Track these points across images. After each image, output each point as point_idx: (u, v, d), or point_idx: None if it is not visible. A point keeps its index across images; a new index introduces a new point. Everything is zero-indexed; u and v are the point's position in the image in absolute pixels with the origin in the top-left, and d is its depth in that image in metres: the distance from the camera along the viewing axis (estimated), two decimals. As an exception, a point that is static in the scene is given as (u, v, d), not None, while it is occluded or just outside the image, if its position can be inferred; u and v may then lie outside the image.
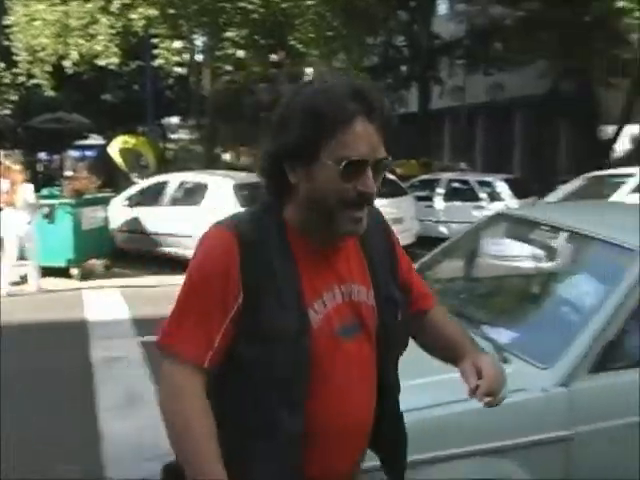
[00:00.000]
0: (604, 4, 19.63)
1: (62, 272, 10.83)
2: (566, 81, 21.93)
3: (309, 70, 20.91)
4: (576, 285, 3.47)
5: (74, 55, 15.90)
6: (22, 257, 10.08)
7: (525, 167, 28.32)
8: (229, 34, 16.85)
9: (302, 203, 1.71)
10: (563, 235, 3.81)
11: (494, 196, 14.34)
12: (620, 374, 3.04)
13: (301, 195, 1.70)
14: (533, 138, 29.74)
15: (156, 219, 12.13)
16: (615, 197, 11.01)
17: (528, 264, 4.18)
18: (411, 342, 1.97)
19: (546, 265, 4.01)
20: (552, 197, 12.44)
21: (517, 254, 3.99)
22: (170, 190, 12.35)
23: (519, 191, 14.43)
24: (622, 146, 23.44)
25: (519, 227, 4.08)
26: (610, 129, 22.09)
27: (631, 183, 11.50)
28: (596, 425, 2.91)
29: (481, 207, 13.98)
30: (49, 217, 10.71)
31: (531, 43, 19.81)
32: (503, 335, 3.28)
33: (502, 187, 14.59)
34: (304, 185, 1.68)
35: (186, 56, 21.17)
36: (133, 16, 15.49)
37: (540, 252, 4.11)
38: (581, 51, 18.79)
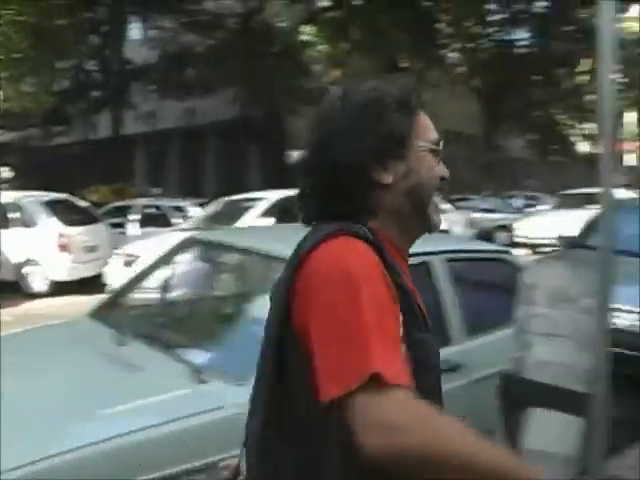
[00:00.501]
0: (290, 37, 20.87)
1: None
2: (255, 108, 22.85)
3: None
4: (265, 304, 3.63)
5: None
6: None
7: (218, 191, 28.96)
8: None
9: (398, 206, 1.55)
10: (254, 257, 3.94)
11: (188, 221, 14.50)
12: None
13: (396, 196, 1.55)
14: (225, 162, 30.52)
15: None
16: (243, 221, 11.02)
17: (222, 287, 4.29)
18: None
19: (239, 287, 4.15)
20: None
21: (208, 277, 4.10)
22: None
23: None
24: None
25: (211, 251, 4.17)
26: (297, 154, 23.36)
27: (260, 207, 11.64)
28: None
29: (176, 232, 14.07)
30: None
31: (221, 70, 20.40)
32: (199, 356, 3.35)
33: (195, 212, 14.83)
34: (402, 181, 1.54)
35: None
36: None
37: (233, 274, 4.24)
38: (267, 80, 19.72)
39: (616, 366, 2.91)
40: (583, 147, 37.36)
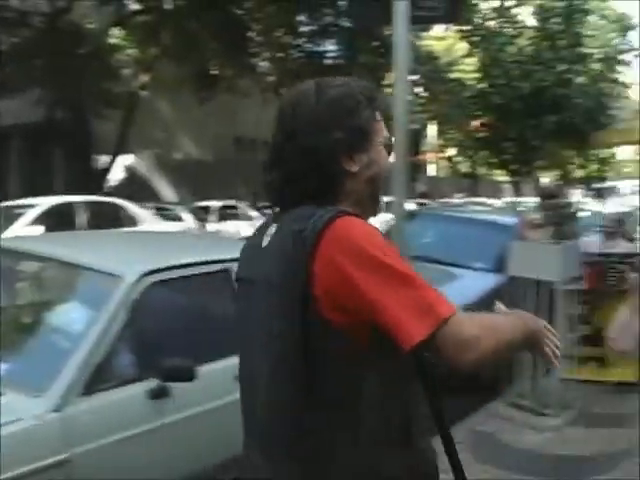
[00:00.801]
0: (99, 39, 20.25)
1: None
2: (60, 110, 22.00)
3: None
4: (66, 313, 3.51)
5: None
6: None
7: (23, 196, 27.56)
8: None
9: (360, 192, 1.72)
10: (51, 264, 3.83)
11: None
12: (111, 393, 3.21)
13: (359, 183, 1.71)
14: (29, 166, 29.11)
15: None
16: (11, 230, 10.38)
17: (20, 296, 4.13)
18: None
19: (37, 295, 3.99)
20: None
21: (5, 286, 3.92)
22: None
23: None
24: (116, 175, 24.32)
25: (7, 258, 4.01)
26: (104, 159, 22.73)
27: (30, 214, 11.25)
28: (92, 444, 3.03)
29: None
30: None
31: (26, 70, 19.50)
32: (-4, 367, 3.22)
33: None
34: (365, 170, 1.71)
35: None
36: None
37: (31, 282, 4.10)
38: (74, 82, 19.06)
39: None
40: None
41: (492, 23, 31.89)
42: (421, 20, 4.63)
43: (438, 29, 32.01)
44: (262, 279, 1.64)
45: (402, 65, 4.60)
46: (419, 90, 29.05)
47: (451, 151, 44.48)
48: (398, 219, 4.61)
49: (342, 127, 1.68)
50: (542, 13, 32.50)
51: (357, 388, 1.56)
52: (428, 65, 27.51)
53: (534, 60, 30.29)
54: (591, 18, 35.33)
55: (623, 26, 37.71)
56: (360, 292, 1.51)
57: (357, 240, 1.54)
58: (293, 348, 1.55)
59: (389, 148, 1.79)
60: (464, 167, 46.51)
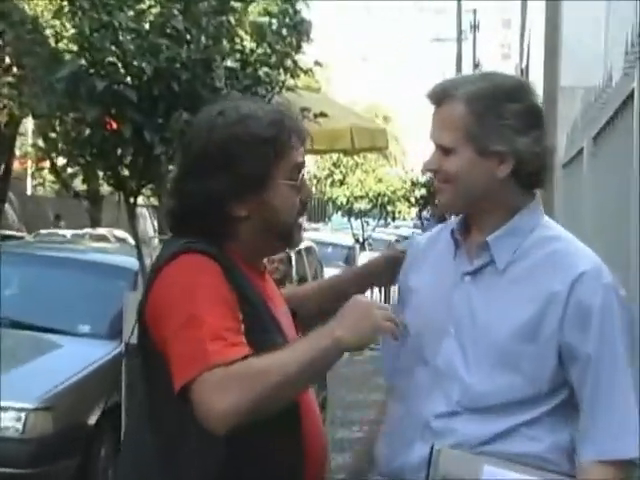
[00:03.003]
0: None
1: None
2: None
3: None
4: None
5: None
6: None
7: None
8: None
9: (253, 233, 1.76)
10: None
11: None
12: None
13: (252, 225, 1.75)
14: None
15: None
16: None
17: None
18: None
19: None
20: None
21: None
22: None
23: None
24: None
25: None
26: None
27: None
28: None
29: None
30: None
31: None
32: None
33: None
34: (259, 214, 1.74)
35: None
36: None
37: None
38: None
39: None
40: None
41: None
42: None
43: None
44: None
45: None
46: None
47: (59, 159, 34.25)
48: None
49: (226, 174, 1.69)
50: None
51: (176, 429, 1.67)
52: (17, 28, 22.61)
53: (162, 30, 26.34)
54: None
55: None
56: (162, 331, 1.63)
57: (176, 285, 1.63)
58: (139, 367, 1.75)
59: (296, 187, 1.77)
60: (79, 182, 38.61)
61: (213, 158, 1.69)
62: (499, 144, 1.72)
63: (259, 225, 1.74)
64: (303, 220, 1.85)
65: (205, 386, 1.52)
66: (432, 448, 1.72)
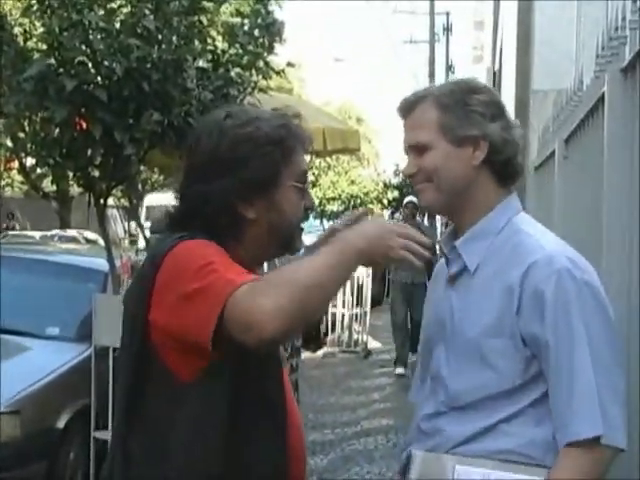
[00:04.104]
0: None
1: None
2: None
3: None
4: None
5: None
6: None
7: None
8: None
9: (258, 236, 1.77)
10: None
11: None
12: None
13: (259, 228, 1.76)
14: None
15: None
16: None
17: None
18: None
19: None
20: None
21: None
22: None
23: None
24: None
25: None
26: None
27: None
28: None
29: None
30: None
31: None
32: None
33: None
34: (266, 216, 1.75)
35: None
36: None
37: None
38: None
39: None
40: None
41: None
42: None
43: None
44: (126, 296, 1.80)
45: None
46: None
47: (29, 159, 36.39)
48: None
49: (236, 175, 1.70)
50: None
51: (168, 425, 1.66)
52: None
53: (133, 30, 26.30)
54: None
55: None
56: (172, 318, 1.61)
57: (178, 266, 1.63)
58: (127, 367, 1.71)
59: (302, 190, 1.79)
60: (48, 183, 39.11)
61: (223, 159, 1.70)
62: (470, 129, 1.78)
63: (265, 228, 1.75)
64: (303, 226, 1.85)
65: (241, 298, 1.52)
66: (409, 452, 1.80)
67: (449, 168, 1.79)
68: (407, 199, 9.77)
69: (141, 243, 8.08)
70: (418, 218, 10.41)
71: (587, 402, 1.63)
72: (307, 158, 1.83)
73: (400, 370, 9.46)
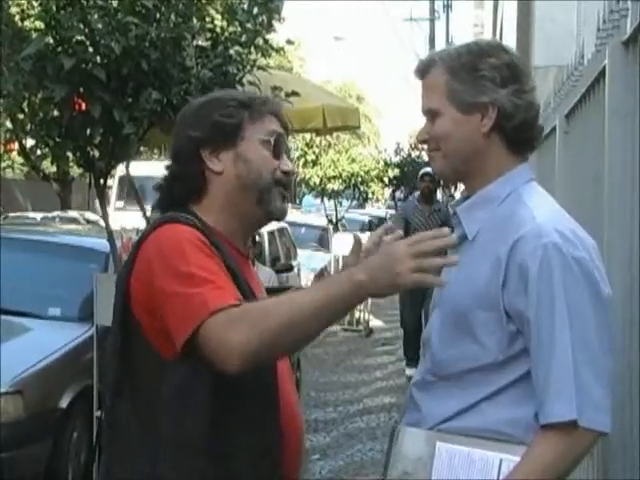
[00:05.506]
0: None
1: None
2: None
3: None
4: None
5: None
6: None
7: None
8: None
9: (231, 191, 1.81)
10: None
11: None
12: None
13: (229, 182, 1.80)
14: None
15: None
16: None
17: None
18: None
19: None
20: None
21: None
22: None
23: None
24: None
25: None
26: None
27: None
28: None
29: None
30: None
31: None
32: None
33: None
34: (234, 168, 1.80)
35: None
36: None
37: None
38: None
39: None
40: None
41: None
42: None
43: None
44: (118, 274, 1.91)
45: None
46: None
47: (28, 141, 36.59)
48: None
49: (202, 126, 1.80)
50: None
51: (154, 395, 1.69)
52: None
53: (131, 8, 26.19)
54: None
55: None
56: (156, 299, 1.65)
57: (162, 250, 1.68)
58: (114, 345, 1.76)
59: (270, 146, 1.81)
60: (48, 164, 39.48)
61: (189, 118, 1.85)
62: (478, 96, 1.73)
63: (235, 182, 1.79)
64: (288, 193, 1.86)
65: (214, 327, 1.55)
66: (395, 426, 1.79)
67: (456, 135, 1.76)
68: (422, 171, 8.88)
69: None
70: (439, 196, 9.64)
71: (563, 382, 1.58)
72: (279, 128, 1.86)
73: (410, 372, 7.93)
